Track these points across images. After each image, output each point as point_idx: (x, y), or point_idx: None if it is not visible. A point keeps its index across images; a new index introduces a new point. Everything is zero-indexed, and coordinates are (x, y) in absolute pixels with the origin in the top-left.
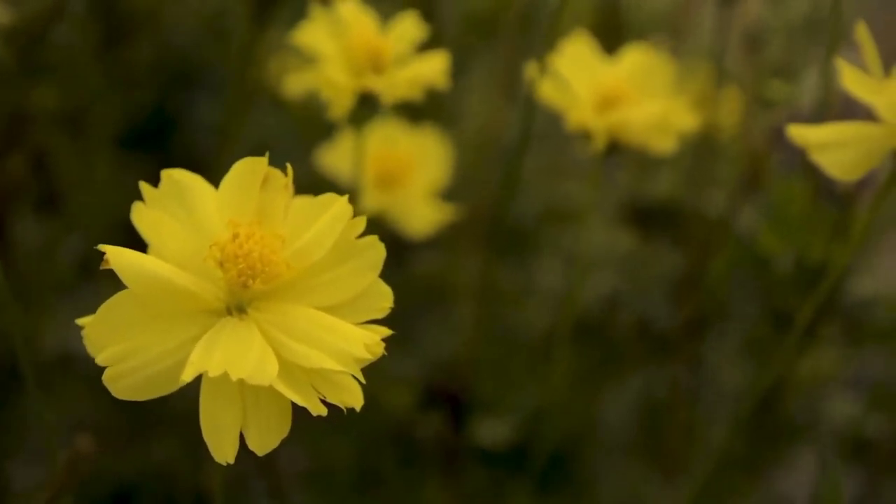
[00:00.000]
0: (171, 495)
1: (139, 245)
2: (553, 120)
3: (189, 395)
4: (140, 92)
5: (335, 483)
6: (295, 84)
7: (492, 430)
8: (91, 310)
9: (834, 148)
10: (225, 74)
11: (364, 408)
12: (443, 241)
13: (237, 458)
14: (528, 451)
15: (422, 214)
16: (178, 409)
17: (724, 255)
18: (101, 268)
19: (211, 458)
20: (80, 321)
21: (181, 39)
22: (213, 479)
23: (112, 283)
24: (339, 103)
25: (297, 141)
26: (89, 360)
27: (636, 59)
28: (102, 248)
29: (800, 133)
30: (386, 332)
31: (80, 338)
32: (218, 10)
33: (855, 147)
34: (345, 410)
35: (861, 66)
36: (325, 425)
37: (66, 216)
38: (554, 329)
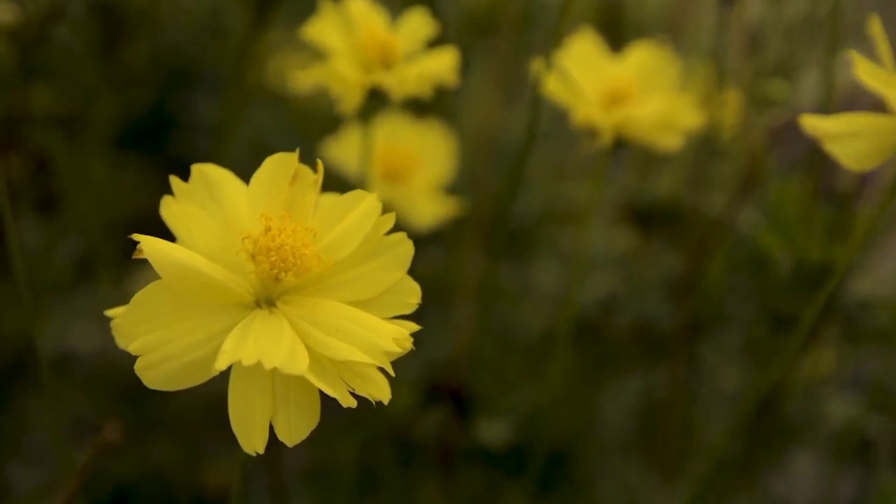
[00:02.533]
0: (171, 495)
1: None
2: (554, 119)
3: (188, 396)
4: (138, 91)
5: (336, 482)
6: (304, 79)
7: (490, 431)
8: (89, 310)
9: (846, 138)
10: (222, 73)
11: (365, 408)
12: (444, 238)
13: None
14: (526, 451)
15: (426, 209)
16: (177, 410)
17: (722, 255)
18: (134, 257)
19: (210, 458)
20: (109, 312)
21: (179, 38)
22: (211, 477)
23: (110, 283)
24: (349, 98)
25: (295, 138)
26: (87, 361)
27: (642, 57)
28: (136, 237)
29: (812, 123)
30: (414, 327)
31: (78, 338)
32: (215, 9)
33: (867, 138)
34: (374, 404)
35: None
36: (326, 425)
37: (64, 217)
38: (552, 329)
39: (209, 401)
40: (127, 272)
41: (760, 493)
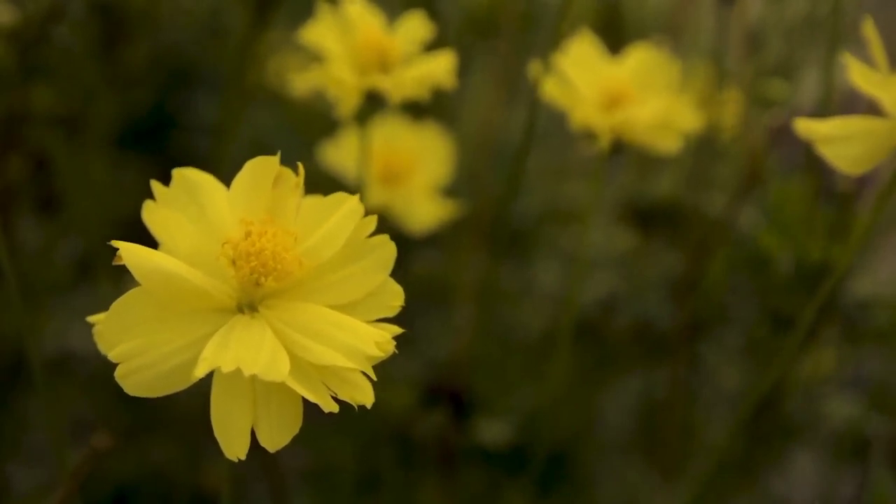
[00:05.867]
0: (170, 495)
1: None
2: (554, 120)
3: (188, 396)
4: (138, 91)
5: (335, 483)
6: (301, 82)
7: (490, 431)
8: (89, 310)
9: (840, 141)
10: (223, 73)
11: (364, 408)
12: (443, 240)
13: None
14: (526, 451)
15: (424, 211)
16: (177, 411)
17: (723, 255)
18: (114, 263)
19: (210, 458)
20: (91, 318)
21: (179, 38)
22: (211, 477)
23: (110, 283)
24: (347, 102)
25: (294, 139)
26: (87, 361)
27: (640, 59)
28: (115, 244)
29: (806, 126)
30: (397, 330)
31: (78, 338)
32: (215, 9)
33: (861, 141)
34: (356, 408)
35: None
36: (325, 425)
37: (64, 217)
38: (552, 329)
39: (209, 401)
40: (127, 272)
41: (760, 493)
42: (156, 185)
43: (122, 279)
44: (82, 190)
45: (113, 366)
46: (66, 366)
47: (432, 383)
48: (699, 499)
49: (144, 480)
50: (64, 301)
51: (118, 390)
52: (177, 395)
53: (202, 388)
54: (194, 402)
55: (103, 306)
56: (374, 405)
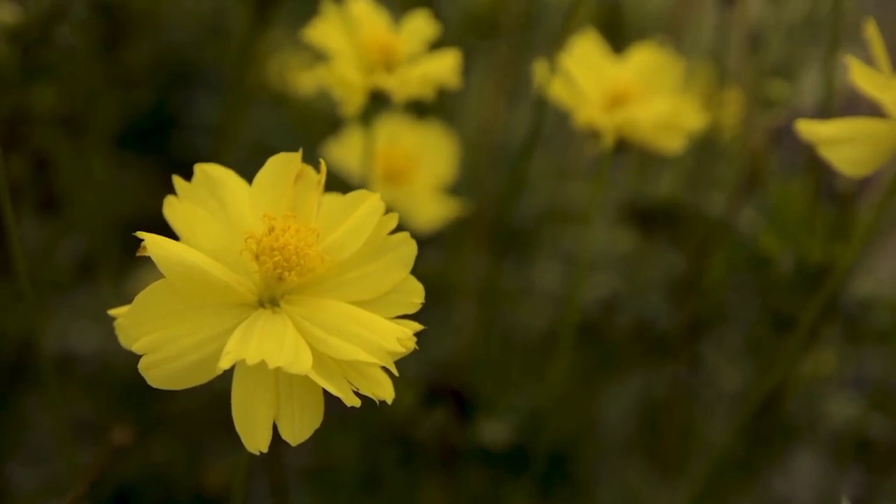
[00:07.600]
0: (172, 495)
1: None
2: (556, 120)
3: (189, 396)
4: (139, 91)
5: (338, 482)
6: (307, 81)
7: (491, 431)
8: (90, 310)
9: (843, 144)
10: (224, 73)
11: (366, 407)
12: (445, 239)
13: None
14: (527, 451)
15: (427, 210)
16: (179, 410)
17: (723, 255)
18: (138, 255)
19: (210, 458)
20: (112, 311)
21: (180, 39)
22: (211, 477)
23: (111, 283)
24: (352, 101)
25: (295, 139)
26: (87, 361)
27: (644, 58)
28: (141, 235)
29: (809, 128)
30: (417, 326)
31: (79, 338)
32: (216, 9)
33: (864, 143)
34: (378, 403)
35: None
36: (327, 424)
37: (65, 216)
38: (553, 329)
39: (210, 401)
40: (128, 272)
41: (762, 493)
42: (177, 180)
43: (123, 279)
44: (84, 189)
45: (113, 365)
46: (66, 366)
47: (433, 383)
48: (700, 499)
49: (146, 480)
50: (65, 300)
51: (119, 390)
52: (178, 394)
53: (204, 388)
54: (196, 402)
55: (104, 306)
56: (377, 405)
